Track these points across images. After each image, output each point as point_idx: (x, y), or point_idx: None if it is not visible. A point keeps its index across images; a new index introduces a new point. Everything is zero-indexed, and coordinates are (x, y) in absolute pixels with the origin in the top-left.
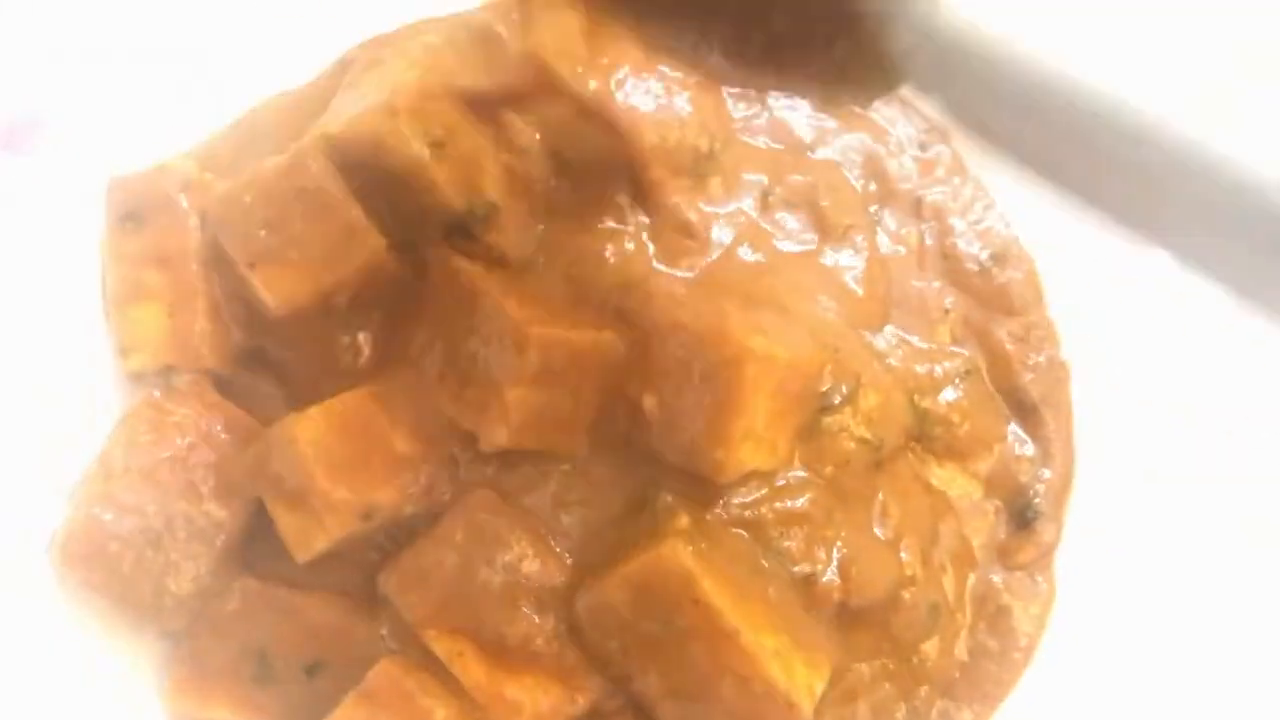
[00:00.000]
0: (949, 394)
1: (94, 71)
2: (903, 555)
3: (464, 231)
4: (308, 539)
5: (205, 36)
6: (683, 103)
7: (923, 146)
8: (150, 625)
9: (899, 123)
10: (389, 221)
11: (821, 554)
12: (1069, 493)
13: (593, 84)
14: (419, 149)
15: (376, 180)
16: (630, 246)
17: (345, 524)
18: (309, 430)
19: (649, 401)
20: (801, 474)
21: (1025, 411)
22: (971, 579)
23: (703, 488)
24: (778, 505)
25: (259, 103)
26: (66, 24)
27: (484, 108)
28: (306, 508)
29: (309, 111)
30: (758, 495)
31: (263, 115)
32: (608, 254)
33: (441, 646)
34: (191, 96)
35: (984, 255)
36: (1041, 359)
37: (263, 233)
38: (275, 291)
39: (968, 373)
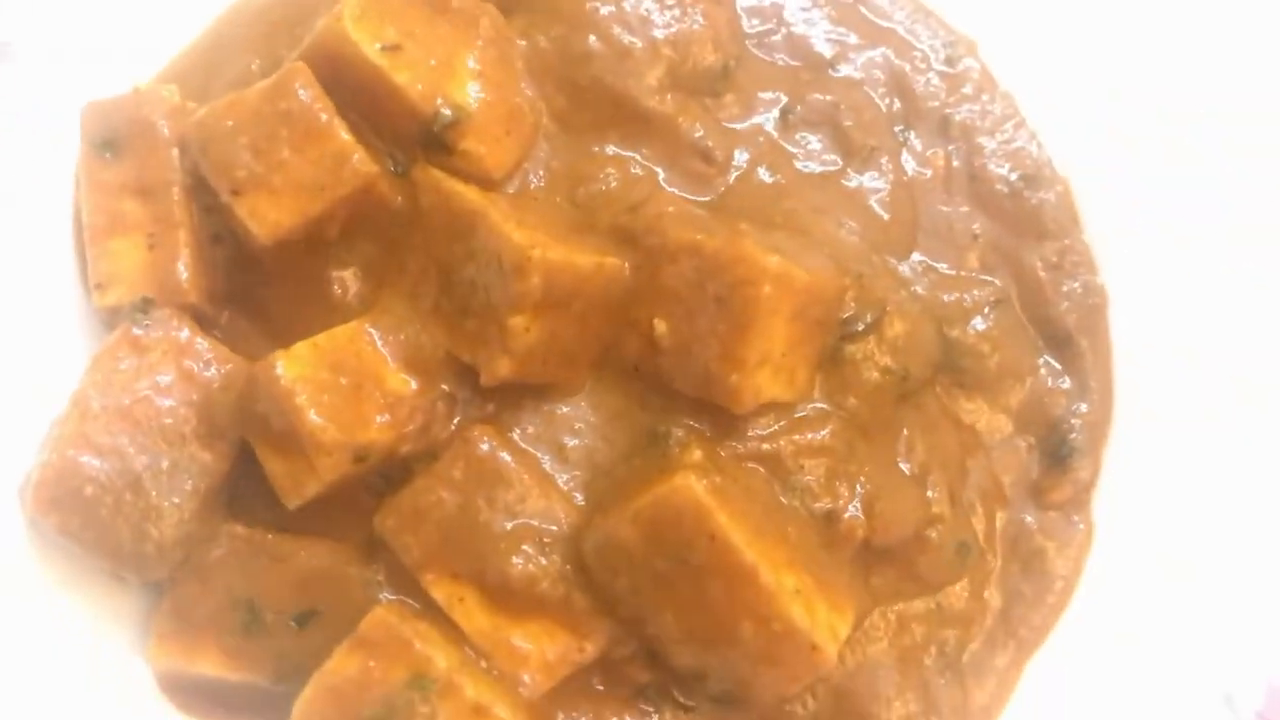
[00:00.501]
0: (978, 323)
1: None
2: (929, 493)
3: (440, 144)
4: (298, 484)
5: None
6: (695, 16)
7: (950, 61)
8: (131, 574)
9: (924, 35)
10: (376, 144)
11: (844, 490)
12: (1108, 428)
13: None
14: (372, 53)
15: (352, 97)
16: (638, 172)
17: (337, 466)
18: (296, 367)
19: (660, 327)
20: (822, 406)
21: (1059, 342)
22: (1002, 518)
23: (717, 420)
24: (796, 438)
25: (224, 12)
26: None
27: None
28: (296, 450)
29: (280, 17)
30: (776, 428)
31: (230, 26)
32: (613, 179)
33: (441, 591)
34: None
35: (1014, 177)
36: (1077, 286)
37: (247, 159)
38: (261, 221)
39: (998, 301)
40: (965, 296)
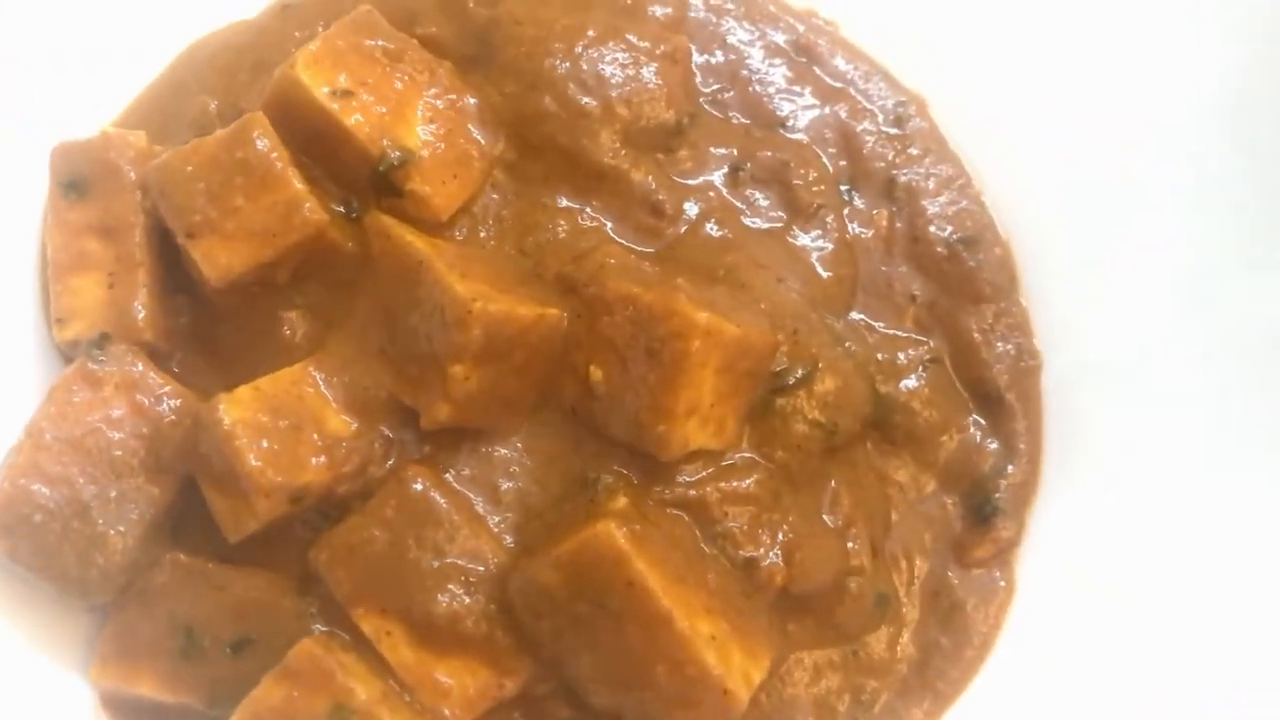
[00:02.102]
0: (910, 382)
1: (32, 35)
2: (850, 544)
3: (388, 185)
4: (238, 521)
5: None
6: (650, 74)
7: (898, 121)
8: (77, 598)
9: (875, 94)
10: (330, 190)
11: (765, 538)
12: (1035, 490)
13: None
14: (323, 98)
15: (306, 143)
16: (587, 223)
17: (275, 508)
18: (237, 410)
19: (595, 374)
20: (750, 455)
21: (990, 403)
22: (923, 571)
23: (647, 465)
24: (723, 485)
25: (182, 53)
26: None
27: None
28: (236, 491)
29: (234, 59)
30: (703, 475)
31: (186, 67)
32: (562, 229)
33: (370, 625)
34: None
35: (955, 239)
36: (1010, 348)
37: (202, 203)
38: (213, 264)
39: (931, 361)
40: (900, 355)
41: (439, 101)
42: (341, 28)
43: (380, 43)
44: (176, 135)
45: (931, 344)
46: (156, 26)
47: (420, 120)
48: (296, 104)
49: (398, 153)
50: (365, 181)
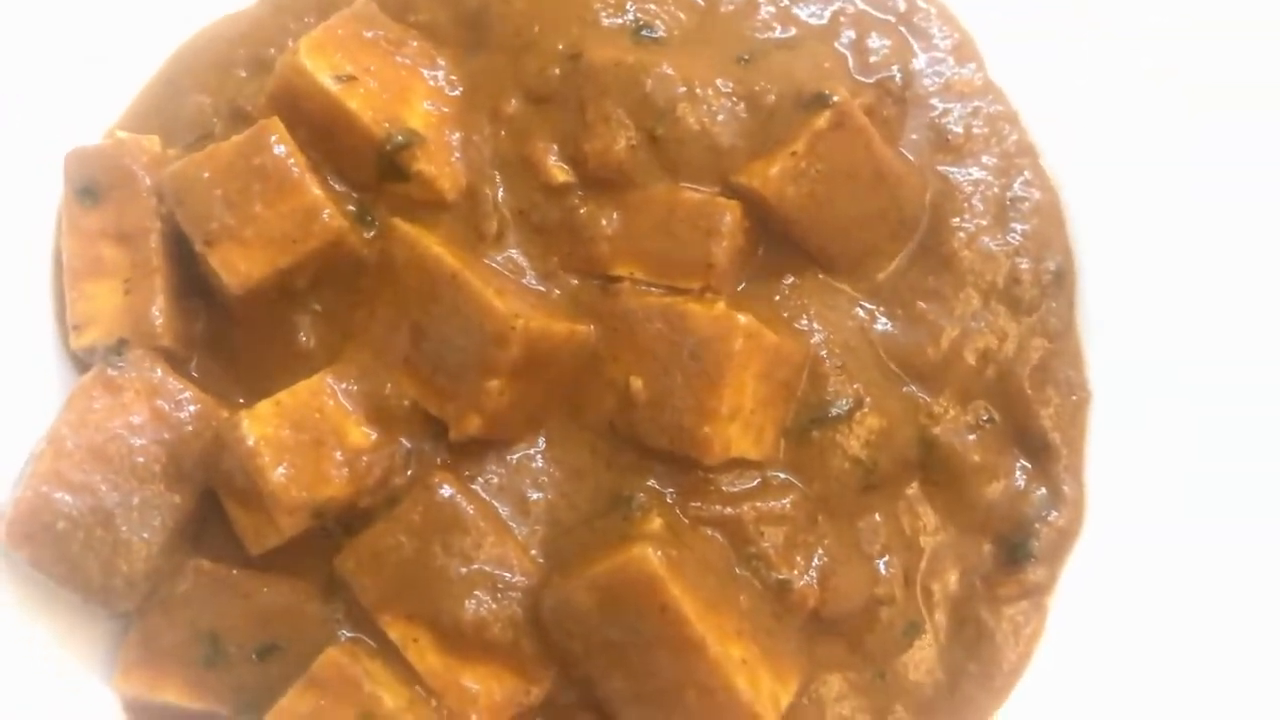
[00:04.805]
0: (963, 435)
1: (47, 40)
2: (883, 571)
3: (394, 167)
4: (260, 535)
5: None
6: None
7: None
8: (100, 606)
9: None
10: (338, 187)
11: (799, 559)
12: (1075, 536)
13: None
14: (328, 82)
15: (311, 133)
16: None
17: (298, 524)
18: (260, 427)
19: (635, 384)
20: (788, 477)
21: (1036, 448)
22: (954, 602)
23: (684, 479)
24: (759, 505)
25: (173, 53)
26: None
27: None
28: (259, 506)
29: (223, 55)
30: (741, 488)
31: (178, 66)
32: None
33: (396, 631)
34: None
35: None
36: (1059, 386)
37: (220, 211)
38: (232, 271)
39: (988, 421)
40: (951, 409)
41: (441, 84)
42: (341, 19)
43: (380, 33)
44: (177, 136)
45: (987, 405)
46: (147, 22)
47: (422, 101)
48: (302, 91)
49: (402, 135)
50: (370, 166)
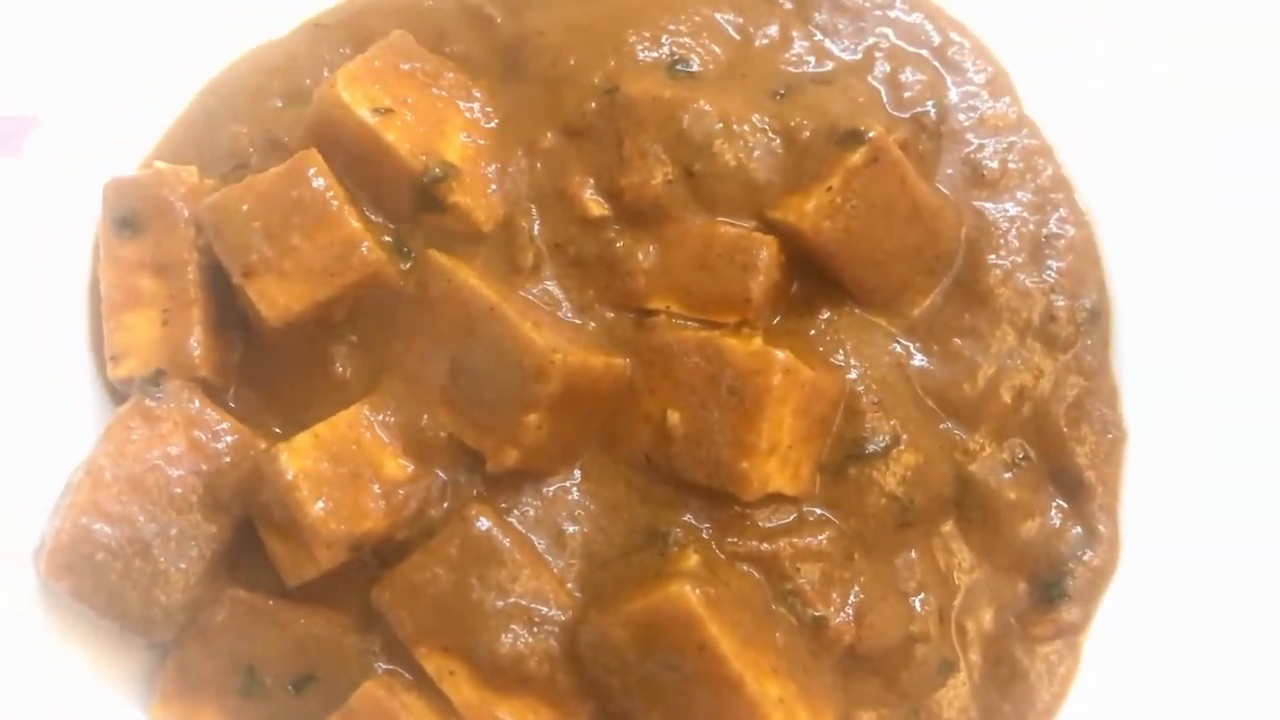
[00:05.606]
0: (995, 463)
1: (87, 70)
2: (918, 608)
3: (431, 199)
4: (298, 567)
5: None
6: None
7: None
8: (139, 636)
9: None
10: (375, 219)
11: (835, 596)
12: (1110, 576)
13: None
14: (365, 115)
15: (349, 164)
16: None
17: (336, 557)
18: (298, 461)
19: (673, 417)
20: (824, 513)
21: (1072, 487)
22: (988, 639)
23: (724, 508)
24: (796, 541)
25: (206, 84)
26: (58, 24)
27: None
28: (297, 539)
29: (257, 85)
30: (777, 524)
31: (213, 97)
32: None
33: (433, 664)
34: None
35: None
36: (1094, 424)
37: (258, 242)
38: (270, 304)
39: (1024, 459)
40: (988, 445)
41: (477, 117)
42: (379, 50)
43: (417, 65)
44: (213, 166)
45: (1023, 442)
46: (184, 53)
47: (458, 133)
48: (340, 124)
49: (439, 168)
50: (408, 198)
